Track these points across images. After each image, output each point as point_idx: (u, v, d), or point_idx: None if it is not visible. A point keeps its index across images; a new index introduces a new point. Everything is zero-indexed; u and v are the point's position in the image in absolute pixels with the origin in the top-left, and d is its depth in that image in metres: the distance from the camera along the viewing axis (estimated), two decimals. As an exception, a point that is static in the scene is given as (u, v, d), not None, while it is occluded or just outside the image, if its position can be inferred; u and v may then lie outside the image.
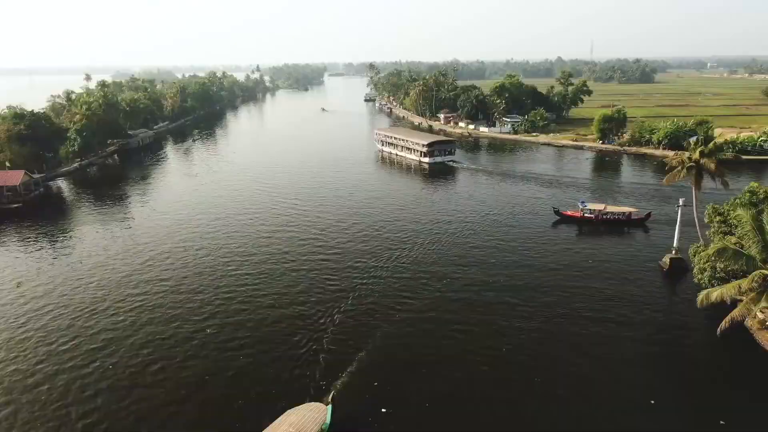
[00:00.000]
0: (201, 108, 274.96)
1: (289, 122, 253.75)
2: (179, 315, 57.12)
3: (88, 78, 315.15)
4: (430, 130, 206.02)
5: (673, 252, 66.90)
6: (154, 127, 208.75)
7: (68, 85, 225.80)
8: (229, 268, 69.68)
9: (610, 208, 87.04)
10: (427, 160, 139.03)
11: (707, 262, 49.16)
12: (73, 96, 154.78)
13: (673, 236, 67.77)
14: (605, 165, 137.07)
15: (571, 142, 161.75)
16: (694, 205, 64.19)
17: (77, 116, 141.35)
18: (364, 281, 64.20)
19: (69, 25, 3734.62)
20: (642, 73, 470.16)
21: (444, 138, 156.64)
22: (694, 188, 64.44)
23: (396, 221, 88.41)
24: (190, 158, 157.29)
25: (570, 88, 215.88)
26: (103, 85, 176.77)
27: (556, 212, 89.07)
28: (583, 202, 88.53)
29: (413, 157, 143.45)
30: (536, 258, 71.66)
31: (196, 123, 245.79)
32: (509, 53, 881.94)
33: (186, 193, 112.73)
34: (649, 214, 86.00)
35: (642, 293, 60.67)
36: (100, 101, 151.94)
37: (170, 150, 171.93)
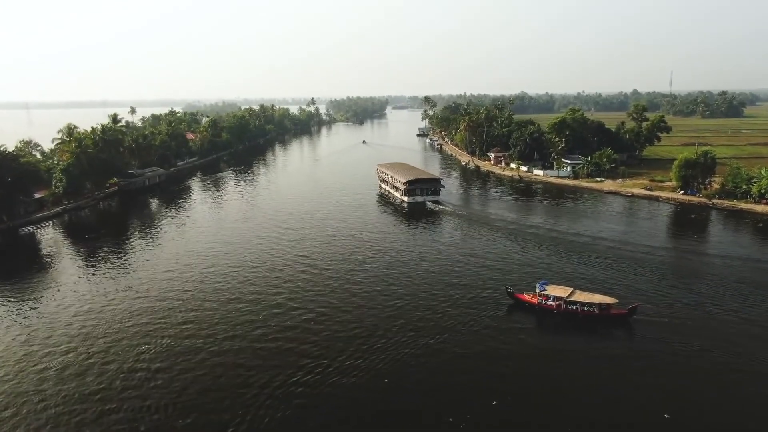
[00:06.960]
0: (238, 142, 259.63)
1: (316, 159, 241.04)
2: None
3: (132, 111, 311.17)
4: (477, 171, 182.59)
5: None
6: (179, 163, 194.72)
7: (126, 117, 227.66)
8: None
9: (579, 296, 62.21)
10: (406, 199, 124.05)
11: None
12: (76, 131, 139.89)
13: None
14: (686, 224, 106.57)
15: (643, 191, 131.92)
16: None
17: (66, 154, 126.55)
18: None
19: (151, 60, 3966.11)
20: (729, 106, 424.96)
21: (427, 176, 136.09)
22: None
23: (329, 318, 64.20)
24: (195, 202, 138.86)
25: (644, 124, 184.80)
26: (113, 118, 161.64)
27: (510, 294, 65.49)
28: (543, 284, 64.09)
29: (398, 195, 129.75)
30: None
31: (229, 159, 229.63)
32: (581, 86, 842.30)
33: (163, 253, 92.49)
34: (635, 308, 60.22)
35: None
36: (97, 137, 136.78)
37: (181, 191, 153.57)
